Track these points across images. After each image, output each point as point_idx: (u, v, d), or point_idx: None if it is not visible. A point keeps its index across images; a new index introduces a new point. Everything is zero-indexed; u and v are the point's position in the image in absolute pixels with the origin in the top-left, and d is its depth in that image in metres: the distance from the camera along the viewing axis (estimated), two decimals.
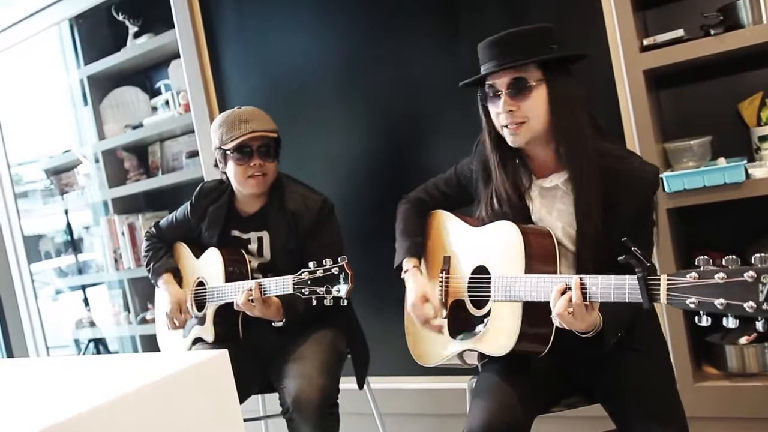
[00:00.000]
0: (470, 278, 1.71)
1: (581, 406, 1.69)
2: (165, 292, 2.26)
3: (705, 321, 1.23)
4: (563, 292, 1.41)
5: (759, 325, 1.17)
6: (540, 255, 1.56)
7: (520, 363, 1.60)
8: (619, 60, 2.06)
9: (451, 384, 2.56)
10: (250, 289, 1.97)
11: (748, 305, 1.16)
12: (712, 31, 1.93)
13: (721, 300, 1.19)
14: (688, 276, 1.24)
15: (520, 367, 1.60)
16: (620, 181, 1.55)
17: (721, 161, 2.03)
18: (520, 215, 1.65)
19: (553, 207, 1.64)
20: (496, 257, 1.65)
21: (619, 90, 2.10)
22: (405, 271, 1.80)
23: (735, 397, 2.03)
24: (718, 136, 2.10)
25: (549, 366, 1.62)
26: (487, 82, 1.61)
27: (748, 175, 1.93)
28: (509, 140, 1.61)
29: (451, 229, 1.84)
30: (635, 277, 1.31)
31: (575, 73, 1.63)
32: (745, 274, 1.17)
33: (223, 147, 2.12)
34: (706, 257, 1.25)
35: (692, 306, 1.23)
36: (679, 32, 1.98)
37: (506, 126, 1.59)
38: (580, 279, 1.41)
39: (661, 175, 1.96)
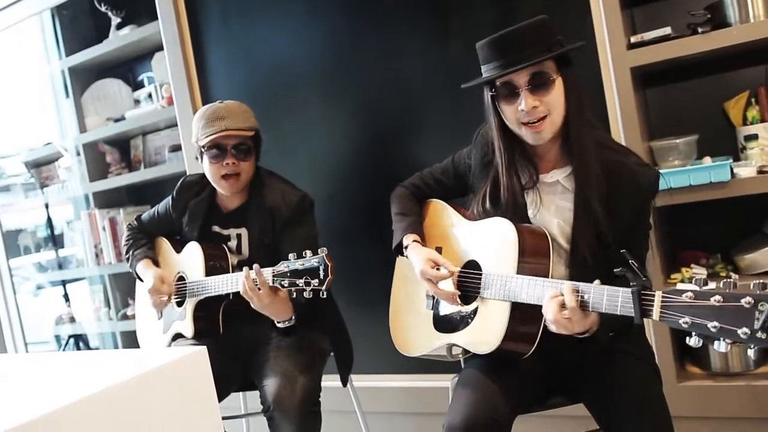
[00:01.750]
0: (461, 272, 1.69)
1: (564, 406, 1.68)
2: (145, 273, 2.21)
3: (695, 342, 1.21)
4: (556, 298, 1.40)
5: (750, 353, 1.16)
6: (533, 255, 1.55)
7: (504, 360, 1.58)
8: (606, 57, 2.05)
9: (433, 382, 2.55)
10: (253, 273, 1.86)
11: (742, 331, 1.14)
12: (700, 30, 1.92)
13: (715, 323, 1.17)
14: (683, 295, 1.22)
15: (503, 364, 1.59)
16: (620, 176, 1.54)
17: (707, 160, 2.03)
18: (518, 210, 1.64)
19: (552, 202, 1.63)
20: (488, 254, 1.63)
21: (606, 87, 2.09)
22: (406, 247, 1.76)
23: (718, 397, 2.03)
24: (704, 134, 2.10)
25: (533, 365, 1.60)
26: (499, 81, 1.58)
27: (733, 174, 1.93)
28: (531, 138, 1.59)
29: (445, 220, 1.83)
30: (629, 290, 1.30)
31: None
32: (742, 300, 1.15)
33: (198, 142, 2.09)
34: (704, 278, 1.23)
35: (684, 326, 1.21)
36: (667, 30, 1.98)
37: (526, 123, 1.57)
38: (573, 286, 1.39)
39: None
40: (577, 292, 1.39)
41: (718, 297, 1.17)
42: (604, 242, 1.54)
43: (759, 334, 1.13)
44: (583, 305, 1.39)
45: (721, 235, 2.18)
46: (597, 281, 1.38)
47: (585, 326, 1.41)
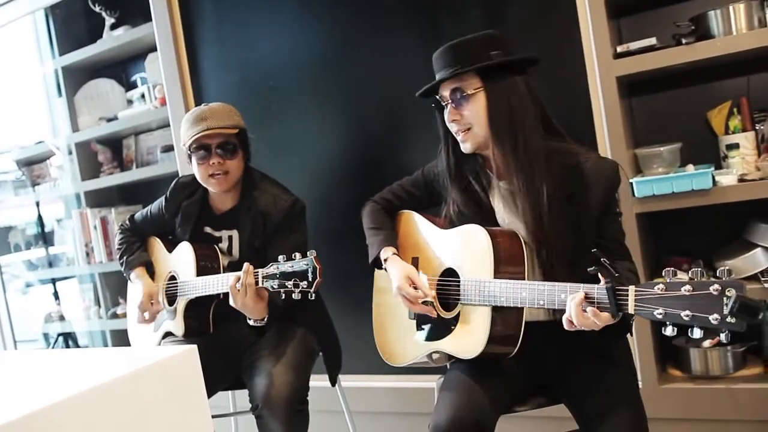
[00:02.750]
0: (439, 280, 1.73)
1: (545, 406, 1.72)
2: (137, 285, 2.24)
3: (671, 331, 1.27)
4: (575, 301, 1.40)
5: (723, 337, 1.22)
6: (508, 257, 1.58)
7: (487, 362, 1.61)
8: (593, 66, 2.10)
9: (420, 383, 2.58)
10: (238, 276, 1.90)
11: (713, 317, 1.20)
12: (684, 41, 1.97)
13: (687, 312, 1.23)
14: (655, 288, 1.27)
15: (487, 365, 1.62)
16: (577, 177, 1.58)
17: (690, 168, 2.07)
18: (485, 215, 1.68)
19: (516, 206, 1.66)
20: (465, 260, 1.66)
21: (592, 96, 2.13)
22: (385, 260, 1.79)
23: (698, 399, 2.08)
24: (688, 143, 2.15)
25: (515, 366, 1.64)
26: (439, 93, 1.67)
27: (715, 182, 1.97)
28: (461, 147, 1.68)
29: (419, 230, 1.85)
30: (604, 287, 1.34)
31: (526, 72, 1.64)
32: (710, 288, 1.20)
33: (184, 145, 2.11)
34: (672, 269, 1.28)
35: (659, 317, 1.26)
36: (652, 40, 2.02)
37: (456, 133, 1.66)
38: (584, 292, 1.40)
39: (631, 180, 2.01)
40: (590, 298, 1.40)
41: (688, 287, 1.23)
42: (573, 239, 1.57)
43: (729, 319, 1.19)
44: (558, 305, 1.43)
45: (704, 242, 2.22)
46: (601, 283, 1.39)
47: (606, 321, 1.41)
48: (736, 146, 2.07)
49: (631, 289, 1.31)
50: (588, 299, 1.39)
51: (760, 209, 2.01)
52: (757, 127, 2.08)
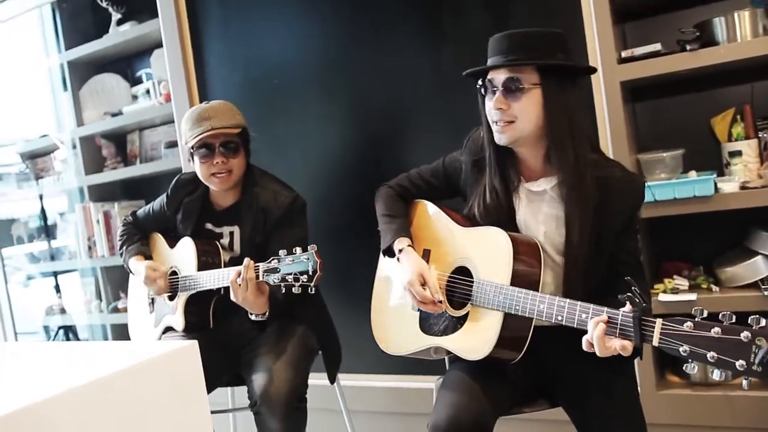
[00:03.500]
0: (450, 277, 1.72)
1: (544, 409, 1.72)
2: (137, 267, 2.24)
3: (692, 368, 1.26)
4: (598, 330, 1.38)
5: (744, 383, 1.22)
6: (526, 265, 1.57)
7: (489, 364, 1.61)
8: (597, 70, 2.09)
9: (419, 383, 2.58)
10: (239, 271, 1.90)
11: (740, 363, 1.19)
12: (688, 47, 1.97)
13: (714, 354, 1.22)
14: (684, 325, 1.27)
15: (488, 367, 1.61)
16: (610, 189, 1.57)
17: (692, 174, 2.07)
18: (506, 215, 1.66)
19: (540, 210, 1.65)
20: (481, 262, 1.65)
21: (596, 100, 2.13)
22: (399, 251, 1.77)
23: (696, 406, 2.08)
24: (691, 149, 2.15)
25: (516, 368, 1.63)
26: (488, 76, 1.61)
27: (717, 189, 1.97)
28: (495, 137, 1.62)
29: (434, 222, 1.83)
30: (630, 314, 1.34)
31: (580, 85, 1.63)
32: (741, 334, 1.20)
33: (187, 144, 2.12)
34: (701, 308, 1.27)
35: (684, 354, 1.26)
36: (657, 46, 2.02)
37: (495, 122, 1.60)
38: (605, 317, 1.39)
39: None
40: (613, 322, 1.39)
41: (717, 329, 1.22)
42: (595, 250, 1.57)
43: (755, 368, 1.18)
44: (578, 324, 1.43)
45: (704, 248, 2.23)
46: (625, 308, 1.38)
47: (628, 351, 1.38)
48: (738, 153, 2.07)
49: (658, 322, 1.30)
50: (611, 323, 1.37)
51: (762, 217, 2.01)
52: (760, 135, 2.08)
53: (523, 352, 1.57)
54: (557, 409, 1.69)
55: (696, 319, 1.26)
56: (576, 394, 1.61)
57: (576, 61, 1.61)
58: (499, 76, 1.57)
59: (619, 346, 1.35)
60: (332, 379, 2.25)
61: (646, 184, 1.62)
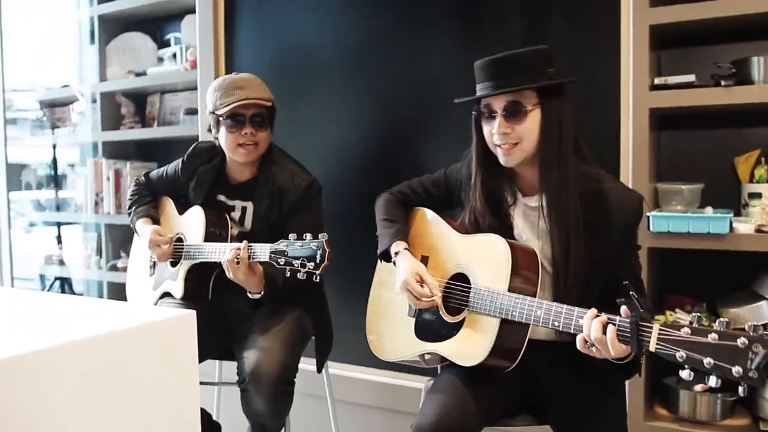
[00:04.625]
0: (447, 283, 1.72)
1: (532, 424, 1.71)
2: (144, 230, 2.24)
3: (687, 375, 1.26)
4: (598, 319, 1.39)
5: (741, 390, 1.21)
6: (524, 273, 1.58)
7: (481, 372, 1.61)
8: (628, 94, 2.08)
9: (408, 382, 2.58)
10: (239, 248, 1.93)
11: (736, 370, 1.19)
12: (723, 82, 1.95)
13: (710, 359, 1.22)
14: (681, 330, 1.27)
15: (480, 374, 1.61)
16: (603, 204, 1.58)
17: (709, 210, 2.05)
18: (503, 229, 1.68)
19: (535, 225, 1.67)
20: (479, 268, 1.65)
21: (622, 123, 2.12)
22: (396, 254, 1.78)
23: None
24: (710, 185, 2.13)
25: (508, 380, 1.63)
26: (483, 102, 1.64)
27: (732, 228, 1.96)
28: (502, 160, 1.64)
29: (432, 229, 1.84)
30: (627, 319, 1.34)
31: (569, 93, 1.64)
32: (737, 340, 1.20)
33: (216, 112, 2.11)
34: (698, 314, 1.29)
35: (680, 359, 1.26)
36: (691, 77, 2.01)
37: (499, 146, 1.62)
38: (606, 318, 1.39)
39: (648, 214, 2.00)
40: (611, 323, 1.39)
41: (714, 335, 1.23)
42: (590, 264, 1.57)
43: (751, 374, 1.19)
44: (574, 330, 1.43)
45: (710, 286, 2.21)
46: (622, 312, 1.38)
47: (620, 352, 1.39)
48: (758, 196, 2.05)
49: (656, 327, 1.30)
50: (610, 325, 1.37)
51: None
52: None
53: (516, 362, 1.57)
54: (545, 427, 1.68)
55: (693, 325, 1.27)
56: (566, 412, 1.61)
57: (560, 72, 1.63)
58: (498, 101, 1.60)
59: (611, 334, 1.35)
60: (320, 368, 2.25)
61: (643, 200, 1.62)
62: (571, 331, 1.44)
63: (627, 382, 2.02)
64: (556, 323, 1.47)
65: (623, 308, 1.36)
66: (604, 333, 1.36)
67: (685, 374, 1.26)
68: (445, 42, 2.50)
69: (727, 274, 2.18)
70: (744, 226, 1.97)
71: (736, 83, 1.94)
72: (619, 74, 2.12)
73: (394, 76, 2.61)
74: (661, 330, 1.29)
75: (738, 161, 2.14)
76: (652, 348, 1.30)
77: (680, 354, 1.26)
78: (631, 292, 1.33)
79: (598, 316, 1.39)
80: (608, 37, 2.15)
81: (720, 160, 2.20)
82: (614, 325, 1.36)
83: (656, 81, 2.05)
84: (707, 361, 1.22)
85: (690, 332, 1.26)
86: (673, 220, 1.99)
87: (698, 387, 2.08)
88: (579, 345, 1.41)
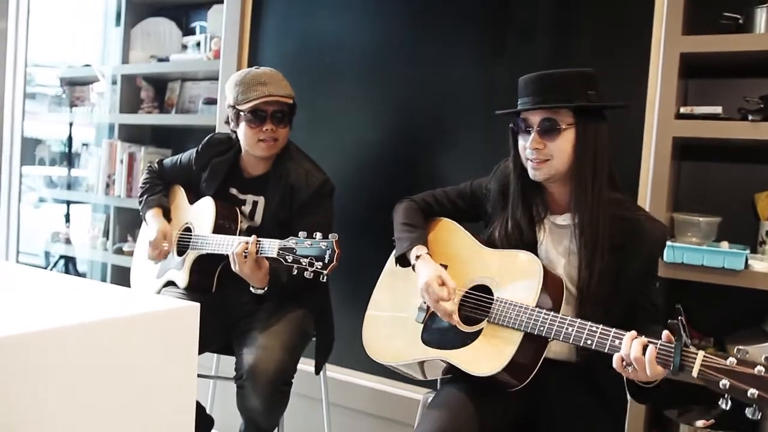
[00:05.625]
0: (467, 293, 1.71)
1: None
2: (152, 224, 2.24)
3: (726, 404, 1.28)
4: (638, 340, 1.40)
5: None
6: (551, 293, 1.59)
7: (485, 388, 1.59)
8: (652, 121, 2.06)
9: (405, 392, 2.55)
10: (248, 242, 1.92)
11: None
12: (750, 117, 1.92)
13: (754, 391, 1.24)
14: (727, 360, 1.29)
15: (483, 391, 1.60)
16: (632, 231, 1.60)
17: (724, 245, 2.03)
18: (528, 245, 1.69)
19: (561, 243, 1.68)
20: (506, 282, 1.65)
21: (644, 149, 2.10)
22: (417, 257, 1.77)
23: None
24: (727, 218, 2.10)
25: (510, 400, 1.62)
26: (521, 116, 1.66)
27: (747, 265, 1.93)
28: (531, 173, 1.66)
29: (455, 240, 1.84)
30: (668, 343, 1.35)
31: (609, 119, 1.66)
32: None
33: (237, 107, 2.09)
34: (744, 348, 1.30)
35: (722, 387, 1.27)
36: (718, 109, 1.98)
37: (530, 160, 1.64)
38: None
39: None
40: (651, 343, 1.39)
41: (760, 368, 1.25)
42: (612, 288, 1.58)
43: None
44: (611, 349, 1.43)
45: (719, 321, 2.17)
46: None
47: (657, 374, 1.39)
48: None
49: (701, 353, 1.32)
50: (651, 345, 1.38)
51: None
52: None
53: (526, 381, 1.56)
54: None
55: (739, 357, 1.28)
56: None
57: (604, 97, 1.65)
58: (534, 117, 1.62)
59: (650, 354, 1.35)
60: (318, 370, 2.23)
61: (667, 233, 1.67)
62: (605, 351, 1.43)
63: (628, 410, 2.00)
64: (589, 342, 1.46)
65: (664, 332, 1.36)
66: (644, 353, 1.36)
67: (723, 404, 1.27)
68: (469, 52, 2.49)
69: (738, 310, 2.15)
70: (760, 264, 1.94)
71: (764, 119, 1.92)
72: (645, 100, 2.10)
73: (415, 82, 2.59)
74: (705, 357, 1.31)
75: (758, 197, 2.12)
76: (694, 373, 1.31)
77: (723, 382, 1.27)
78: (680, 317, 1.34)
79: (637, 337, 1.39)
80: (637, 62, 2.13)
81: (740, 195, 2.17)
82: (655, 346, 1.36)
83: (682, 110, 2.02)
84: (751, 392, 1.23)
85: (736, 362, 1.28)
86: (688, 251, 1.96)
87: (700, 422, 2.05)
88: (615, 363, 1.41)
